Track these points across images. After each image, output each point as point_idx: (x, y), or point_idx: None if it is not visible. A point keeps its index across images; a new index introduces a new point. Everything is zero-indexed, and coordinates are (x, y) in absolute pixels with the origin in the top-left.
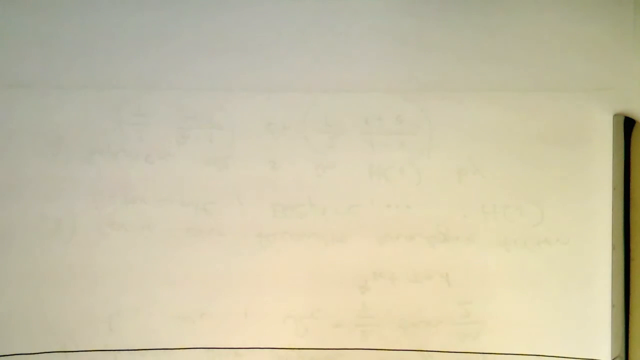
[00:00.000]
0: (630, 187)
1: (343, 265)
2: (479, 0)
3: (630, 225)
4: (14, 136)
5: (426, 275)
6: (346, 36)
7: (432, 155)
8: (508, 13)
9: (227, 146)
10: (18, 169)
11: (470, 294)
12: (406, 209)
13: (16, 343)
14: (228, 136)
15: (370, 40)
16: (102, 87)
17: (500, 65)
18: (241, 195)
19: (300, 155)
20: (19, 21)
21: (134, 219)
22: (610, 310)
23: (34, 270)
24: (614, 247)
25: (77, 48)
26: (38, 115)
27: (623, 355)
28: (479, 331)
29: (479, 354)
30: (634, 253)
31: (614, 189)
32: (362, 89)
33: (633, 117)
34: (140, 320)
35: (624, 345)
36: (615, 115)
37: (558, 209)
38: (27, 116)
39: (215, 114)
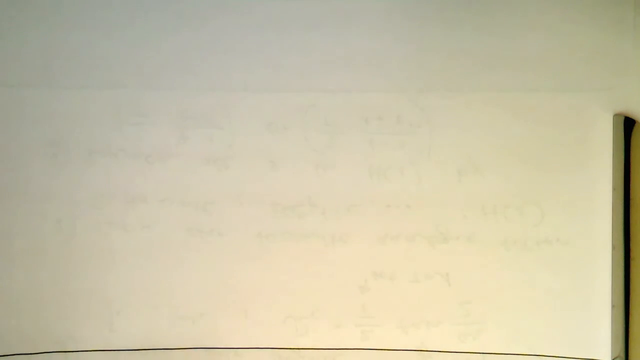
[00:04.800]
0: (630, 187)
1: (343, 265)
2: (479, 0)
3: (630, 225)
4: (14, 136)
5: (426, 275)
6: (346, 36)
7: (432, 155)
8: (508, 13)
9: (227, 146)
10: (18, 169)
11: (470, 294)
12: (406, 209)
13: (16, 343)
14: (228, 136)
15: (370, 40)
16: (102, 87)
17: (500, 65)
18: (241, 195)
19: (300, 155)
20: (20, 21)
21: (134, 219)
22: (610, 310)
23: (33, 270)
24: (614, 247)
25: (77, 48)
26: (38, 115)
27: (623, 355)
28: (479, 331)
29: (479, 354)
30: (634, 253)
31: (614, 189)
32: (362, 89)
33: (633, 117)
34: (140, 320)
35: (624, 345)
36: (615, 115)
37: (558, 209)
38: (27, 116)
39: (215, 114)
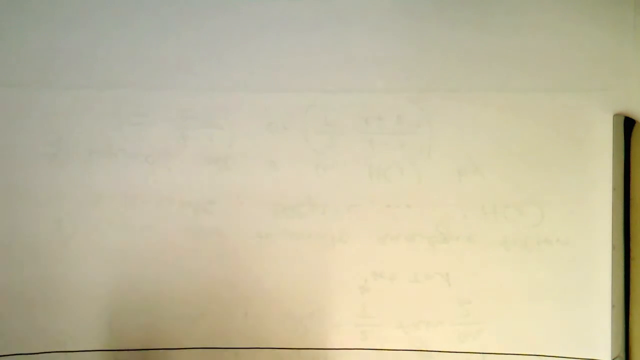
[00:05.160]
0: (630, 187)
1: (343, 265)
2: (479, 0)
3: (630, 225)
4: (14, 136)
5: (426, 275)
6: (346, 36)
7: (432, 155)
8: (508, 13)
9: (227, 146)
10: (18, 169)
11: (470, 294)
12: (406, 209)
13: (16, 343)
14: (228, 136)
15: (370, 40)
16: (102, 87)
17: (500, 65)
18: (241, 195)
19: (300, 155)
20: (20, 22)
21: (134, 219)
22: (610, 310)
23: (34, 269)
24: (614, 247)
25: (77, 48)
26: (38, 115)
27: (623, 355)
28: (479, 331)
29: (479, 354)
30: (634, 253)
31: (614, 189)
32: (362, 89)
33: (633, 117)
34: (140, 320)
35: (624, 345)
36: (615, 115)
37: (558, 209)
38: (27, 116)
39: (215, 114)
